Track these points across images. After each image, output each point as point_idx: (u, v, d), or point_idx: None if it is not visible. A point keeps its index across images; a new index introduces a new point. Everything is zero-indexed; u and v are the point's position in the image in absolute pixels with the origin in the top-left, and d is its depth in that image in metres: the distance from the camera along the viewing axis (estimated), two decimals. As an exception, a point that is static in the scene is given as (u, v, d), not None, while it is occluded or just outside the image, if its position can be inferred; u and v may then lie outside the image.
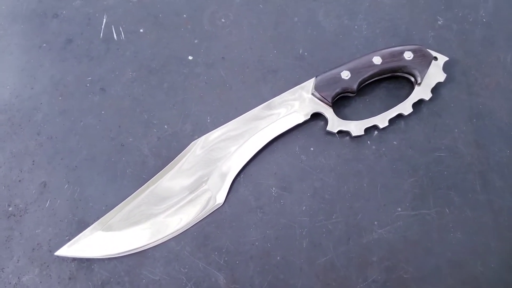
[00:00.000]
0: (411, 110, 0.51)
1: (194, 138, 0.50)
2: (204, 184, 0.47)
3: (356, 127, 0.50)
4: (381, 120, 0.50)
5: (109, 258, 0.44)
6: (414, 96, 0.51)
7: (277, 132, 0.49)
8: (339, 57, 0.54)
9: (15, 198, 0.47)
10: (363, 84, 0.52)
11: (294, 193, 0.48)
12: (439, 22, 0.57)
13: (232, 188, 0.48)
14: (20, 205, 0.47)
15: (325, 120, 0.50)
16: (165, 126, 0.51)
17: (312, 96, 0.50)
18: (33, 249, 0.45)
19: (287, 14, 0.58)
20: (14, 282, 0.43)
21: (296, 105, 0.50)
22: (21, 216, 0.46)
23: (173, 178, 0.47)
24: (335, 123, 0.50)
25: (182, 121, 0.51)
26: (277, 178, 0.49)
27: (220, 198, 0.47)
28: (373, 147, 0.50)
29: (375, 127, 0.51)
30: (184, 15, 0.58)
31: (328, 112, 0.50)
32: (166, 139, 0.50)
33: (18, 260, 0.44)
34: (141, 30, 0.57)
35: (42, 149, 0.49)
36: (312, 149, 0.50)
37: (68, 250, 0.43)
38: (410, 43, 0.55)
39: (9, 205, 0.47)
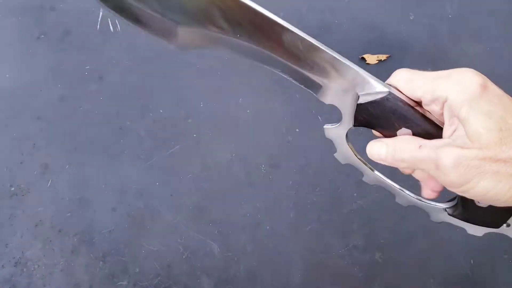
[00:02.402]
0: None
1: (188, 121, 0.53)
2: None
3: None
4: None
5: (109, 231, 0.47)
6: None
7: None
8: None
9: (17, 179, 0.49)
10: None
11: (281, 170, 0.52)
12: (411, 18, 0.63)
13: (224, 165, 0.51)
14: (22, 185, 0.49)
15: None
16: (160, 111, 0.54)
17: None
18: (36, 225, 0.47)
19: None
20: (18, 257, 0.46)
21: None
22: (23, 195, 0.49)
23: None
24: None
25: (177, 106, 0.55)
26: (266, 157, 0.53)
27: None
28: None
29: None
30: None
31: None
32: (161, 122, 0.54)
33: (21, 236, 0.47)
34: (136, 23, 0.60)
35: (43, 133, 0.52)
36: (297, 130, 0.54)
37: None
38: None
39: (11, 186, 0.49)
